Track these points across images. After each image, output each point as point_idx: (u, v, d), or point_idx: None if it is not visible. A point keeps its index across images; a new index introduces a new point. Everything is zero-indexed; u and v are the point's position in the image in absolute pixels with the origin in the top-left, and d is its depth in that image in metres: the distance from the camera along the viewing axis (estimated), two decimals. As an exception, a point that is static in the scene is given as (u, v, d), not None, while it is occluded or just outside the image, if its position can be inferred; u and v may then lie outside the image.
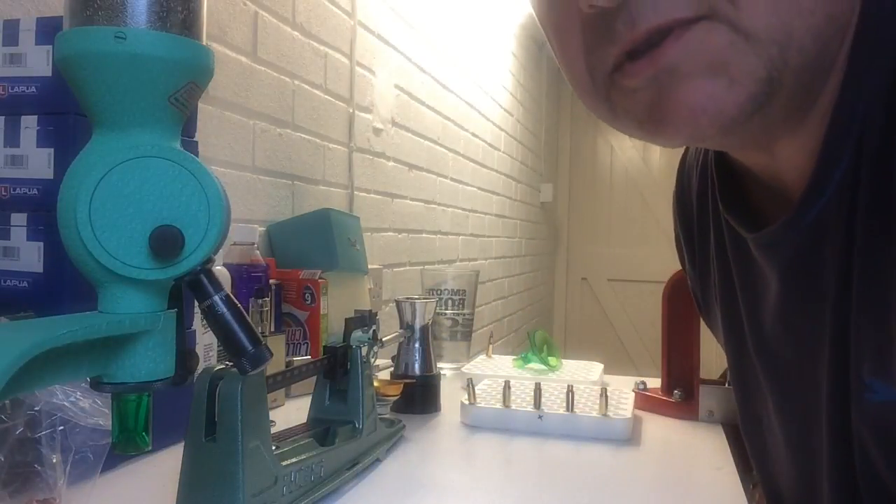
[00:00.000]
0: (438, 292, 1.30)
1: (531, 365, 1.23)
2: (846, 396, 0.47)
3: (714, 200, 0.60)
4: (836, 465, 0.49)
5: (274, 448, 0.58)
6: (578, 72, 0.46)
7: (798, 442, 0.56)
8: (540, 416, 0.88)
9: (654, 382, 1.03)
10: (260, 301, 0.95)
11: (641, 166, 4.55)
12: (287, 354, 1.09)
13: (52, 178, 0.69)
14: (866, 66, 0.43)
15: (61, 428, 0.53)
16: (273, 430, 0.61)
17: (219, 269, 0.90)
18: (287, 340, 1.12)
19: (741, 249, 0.57)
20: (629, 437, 0.86)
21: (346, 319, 0.78)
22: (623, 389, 1.00)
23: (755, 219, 0.54)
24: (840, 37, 0.43)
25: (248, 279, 1.00)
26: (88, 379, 0.44)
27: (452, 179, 2.47)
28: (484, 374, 1.14)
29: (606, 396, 0.88)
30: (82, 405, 0.53)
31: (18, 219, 0.69)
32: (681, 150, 0.71)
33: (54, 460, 0.53)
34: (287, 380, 0.70)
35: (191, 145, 0.81)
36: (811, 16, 0.40)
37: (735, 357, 0.64)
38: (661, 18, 0.41)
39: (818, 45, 0.42)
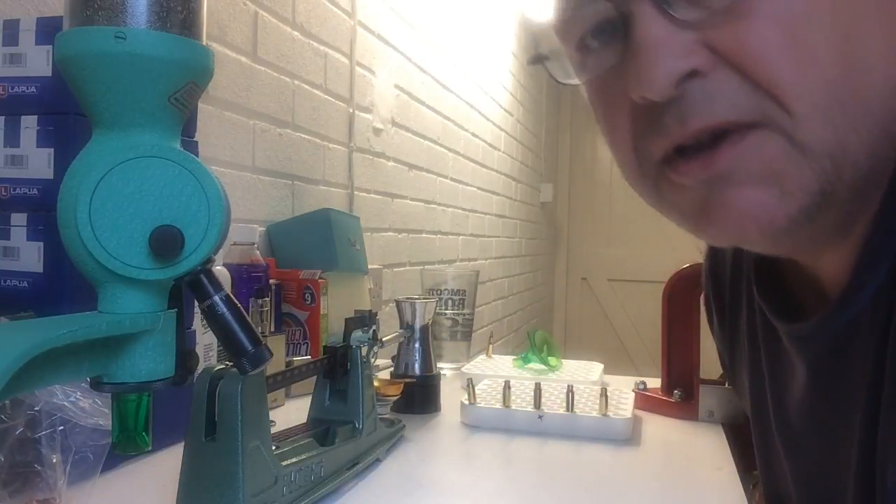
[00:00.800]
0: (438, 292, 1.30)
1: (531, 365, 1.23)
2: (871, 498, 0.46)
3: (748, 279, 0.59)
4: None
5: (274, 448, 0.58)
6: (626, 156, 0.46)
7: None
8: (540, 416, 0.88)
9: (654, 382, 1.03)
10: (260, 301, 0.95)
11: (641, 166, 4.55)
12: (287, 354, 1.09)
13: (52, 178, 0.69)
14: None
15: (61, 428, 0.53)
16: (273, 430, 0.61)
17: (219, 269, 0.90)
18: (287, 340, 1.12)
19: (772, 334, 0.56)
20: (629, 437, 0.86)
21: (346, 319, 0.78)
22: (623, 389, 1.00)
23: (789, 305, 0.53)
24: (894, 152, 0.42)
25: (248, 279, 1.00)
26: (88, 379, 0.44)
27: (452, 179, 2.47)
28: (484, 374, 1.14)
29: (606, 396, 0.88)
30: (82, 405, 0.53)
31: (18, 219, 0.69)
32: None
33: (54, 460, 0.53)
34: (287, 380, 0.70)
35: (191, 145, 0.81)
36: (867, 133, 0.40)
37: (759, 434, 0.65)
38: (713, 120, 0.40)
39: (872, 161, 0.41)
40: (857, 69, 0.39)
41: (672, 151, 0.43)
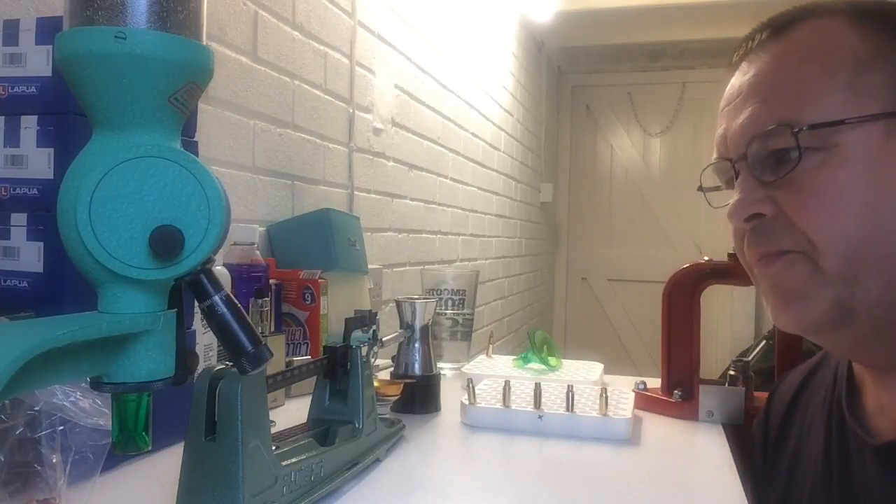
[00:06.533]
0: (438, 292, 1.29)
1: (531, 365, 1.23)
2: None
3: (835, 407, 0.69)
4: None
5: (274, 448, 0.58)
6: (741, 256, 0.67)
7: None
8: (540, 416, 0.88)
9: (654, 382, 1.03)
10: (260, 301, 0.95)
11: (641, 166, 4.55)
12: (287, 354, 1.09)
13: (52, 178, 0.69)
14: None
15: (61, 428, 0.53)
16: (273, 430, 0.61)
17: (219, 269, 0.90)
18: (287, 340, 1.12)
19: (848, 456, 0.64)
20: (629, 437, 0.86)
21: (346, 319, 0.78)
22: (623, 389, 1.00)
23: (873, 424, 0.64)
24: None
25: (248, 279, 1.00)
26: (88, 379, 0.44)
27: (452, 179, 2.47)
28: (484, 374, 1.14)
29: (606, 396, 0.88)
30: (82, 405, 0.53)
31: (18, 219, 0.69)
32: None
33: (54, 460, 0.53)
34: (287, 380, 0.70)
35: (191, 145, 0.81)
36: (878, 270, 0.56)
37: None
38: (763, 249, 0.62)
39: (886, 292, 0.56)
40: (877, 228, 0.56)
41: (755, 265, 0.63)
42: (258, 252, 1.06)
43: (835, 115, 0.56)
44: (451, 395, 1.03)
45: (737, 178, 0.63)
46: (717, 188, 0.69)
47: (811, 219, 0.57)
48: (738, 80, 0.63)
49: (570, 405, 0.88)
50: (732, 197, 0.62)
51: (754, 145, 0.59)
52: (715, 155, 0.67)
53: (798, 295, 0.59)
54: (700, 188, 0.70)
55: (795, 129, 0.57)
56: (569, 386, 0.90)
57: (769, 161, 0.59)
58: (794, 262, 0.59)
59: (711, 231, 4.25)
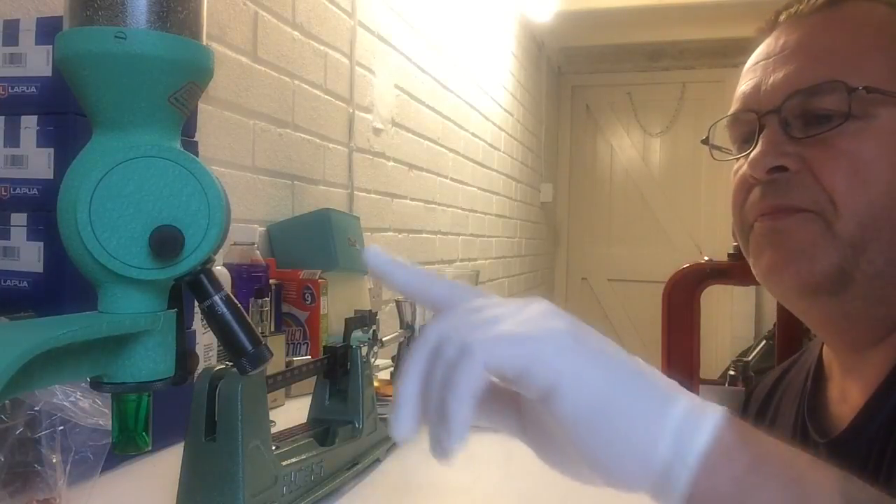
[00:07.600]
0: (438, 292, 1.29)
1: (531, 365, 1.22)
2: None
3: (799, 403, 0.71)
4: None
5: (274, 448, 0.58)
6: (735, 215, 0.66)
7: None
8: (540, 416, 0.88)
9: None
10: (260, 301, 0.95)
11: (641, 166, 4.55)
12: (287, 354, 1.09)
13: (51, 178, 0.69)
14: None
15: (61, 428, 0.53)
16: (273, 430, 0.61)
17: (219, 269, 0.90)
18: (287, 340, 1.11)
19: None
20: (629, 437, 0.86)
21: (346, 319, 0.78)
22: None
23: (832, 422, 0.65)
24: None
25: (248, 279, 1.00)
26: (88, 379, 0.44)
27: (452, 179, 2.47)
28: (484, 374, 1.13)
29: (606, 396, 0.87)
30: (82, 405, 0.53)
31: (18, 219, 0.69)
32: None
33: (54, 460, 0.53)
34: (287, 380, 0.70)
35: (191, 145, 0.81)
36: (888, 243, 0.57)
37: None
38: (782, 201, 0.60)
39: (889, 267, 0.58)
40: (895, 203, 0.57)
41: (759, 218, 0.62)
42: (258, 252, 1.06)
43: (885, 87, 0.58)
44: (451, 395, 1.03)
45: (760, 132, 0.62)
46: (721, 148, 0.69)
47: (840, 181, 0.58)
48: (780, 37, 0.64)
49: (570, 405, 0.88)
50: (754, 148, 0.62)
51: (795, 99, 0.59)
52: (737, 107, 0.66)
53: (803, 253, 0.59)
54: (706, 140, 0.69)
55: (852, 88, 0.57)
56: (569, 386, 0.90)
57: (804, 118, 0.59)
58: (807, 219, 0.59)
59: (711, 231, 4.25)
